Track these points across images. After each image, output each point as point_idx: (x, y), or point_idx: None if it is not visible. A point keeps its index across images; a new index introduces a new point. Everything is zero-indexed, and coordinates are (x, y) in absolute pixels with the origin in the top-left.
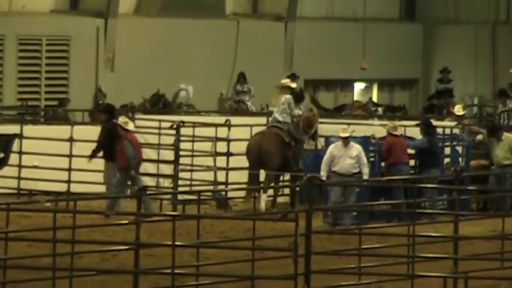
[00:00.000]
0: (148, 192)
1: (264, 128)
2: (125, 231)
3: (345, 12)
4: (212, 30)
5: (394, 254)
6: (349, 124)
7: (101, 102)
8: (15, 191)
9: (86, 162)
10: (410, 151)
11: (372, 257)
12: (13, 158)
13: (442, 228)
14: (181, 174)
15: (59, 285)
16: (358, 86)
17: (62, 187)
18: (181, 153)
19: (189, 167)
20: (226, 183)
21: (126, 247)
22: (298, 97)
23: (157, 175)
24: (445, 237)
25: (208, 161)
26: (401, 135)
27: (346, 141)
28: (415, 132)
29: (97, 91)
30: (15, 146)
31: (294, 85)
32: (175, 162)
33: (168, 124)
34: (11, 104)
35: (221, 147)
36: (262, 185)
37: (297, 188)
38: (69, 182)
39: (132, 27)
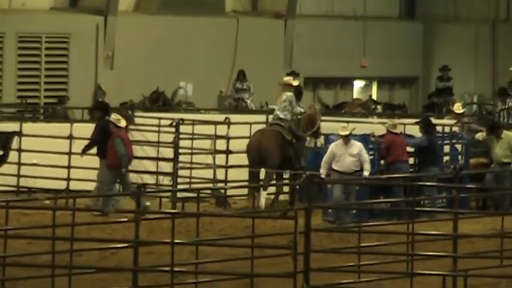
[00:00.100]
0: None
1: (264, 125)
2: (124, 229)
3: (344, 10)
4: (212, 28)
5: (393, 252)
6: (348, 122)
7: (100, 100)
8: (15, 189)
9: (85, 159)
10: (410, 149)
11: (371, 255)
12: (12, 156)
13: (442, 226)
14: (180, 172)
15: (58, 282)
16: (358, 84)
17: (62, 185)
18: (180, 151)
19: (188, 165)
20: (225, 181)
21: (126, 245)
22: (296, 94)
23: (157, 173)
24: (444, 235)
25: (208, 159)
26: (401, 133)
27: (346, 139)
28: (414, 130)
29: (96, 89)
30: (14, 144)
31: (295, 83)
32: (175, 160)
33: (168, 122)
34: (10, 102)
35: (220, 145)
36: (262, 183)
37: (297, 186)
38: (68, 179)
39: (132, 24)
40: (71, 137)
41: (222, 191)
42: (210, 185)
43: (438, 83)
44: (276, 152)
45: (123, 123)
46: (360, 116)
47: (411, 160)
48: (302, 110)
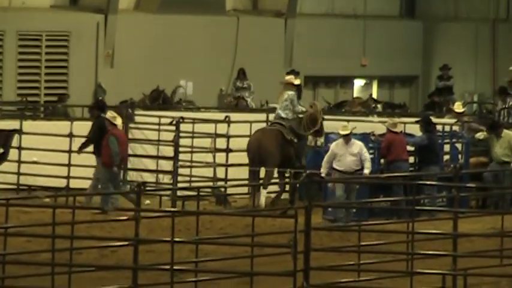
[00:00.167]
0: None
1: (265, 124)
2: (124, 227)
3: (345, 9)
4: (212, 27)
5: (393, 251)
6: (348, 121)
7: (100, 98)
8: (15, 187)
9: (85, 157)
10: (410, 148)
11: (371, 253)
12: (13, 154)
13: (442, 225)
14: (180, 171)
15: (58, 280)
16: (358, 83)
17: (62, 183)
18: (180, 149)
19: (188, 163)
20: (225, 180)
21: (125, 243)
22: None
23: (157, 171)
24: (444, 234)
25: (208, 157)
26: (401, 132)
27: (347, 138)
28: (415, 129)
29: (97, 87)
30: (14, 142)
31: (297, 82)
32: (175, 158)
33: (168, 120)
34: (10, 100)
35: (221, 143)
36: (262, 181)
37: (297, 185)
38: (68, 177)
39: (132, 23)
40: (71, 135)
41: (222, 189)
42: (210, 184)
43: (438, 82)
44: (276, 151)
45: (118, 120)
46: (360, 114)
47: (411, 159)
48: (304, 109)
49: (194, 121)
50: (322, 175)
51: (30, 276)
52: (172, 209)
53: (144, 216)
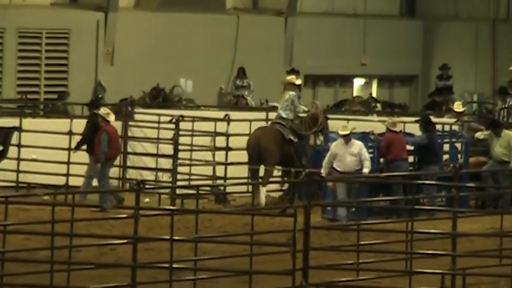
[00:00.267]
0: (146, 186)
1: (264, 123)
2: (123, 225)
3: (345, 8)
4: (212, 25)
5: (392, 250)
6: (348, 120)
7: (100, 96)
8: (14, 184)
9: (84, 155)
10: (410, 147)
11: (370, 253)
12: (12, 151)
13: (441, 224)
14: (180, 169)
15: (57, 278)
16: (358, 82)
17: (61, 180)
18: (180, 147)
19: (188, 162)
20: (225, 178)
21: (125, 241)
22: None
23: (156, 169)
24: (443, 233)
25: (207, 156)
26: (401, 131)
27: (346, 138)
28: (414, 128)
29: (96, 85)
30: (14, 139)
31: (298, 82)
32: (174, 156)
33: (168, 118)
34: (10, 97)
35: (220, 141)
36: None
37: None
38: (67, 175)
39: (132, 21)
40: (70, 133)
41: (222, 188)
42: (210, 182)
43: (438, 82)
44: (275, 149)
45: (112, 117)
46: (360, 114)
47: (411, 158)
48: (305, 109)
49: (194, 119)
50: (323, 175)
51: (29, 273)
52: (172, 207)
53: (143, 215)
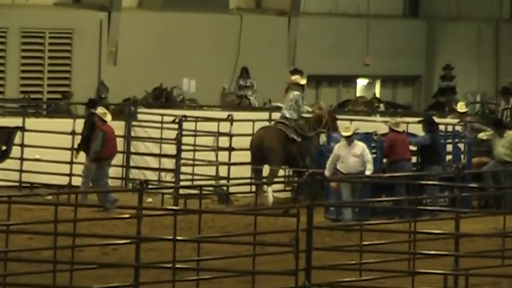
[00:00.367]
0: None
1: (267, 123)
2: (126, 225)
3: (348, 8)
4: (215, 25)
5: (395, 251)
6: (351, 120)
7: (103, 96)
8: (17, 184)
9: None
10: (412, 148)
11: (373, 253)
12: (15, 151)
13: (444, 225)
14: (183, 169)
15: (60, 278)
16: (361, 82)
17: (64, 180)
18: (183, 147)
19: (191, 162)
20: (228, 178)
21: (127, 241)
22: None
23: (159, 169)
24: (446, 234)
25: (210, 156)
26: (404, 131)
27: (349, 140)
28: (417, 129)
29: (99, 85)
30: (17, 139)
31: (303, 82)
32: (177, 156)
33: (171, 118)
34: (13, 97)
35: (223, 142)
36: (265, 179)
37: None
38: (70, 175)
39: (135, 21)
40: (73, 133)
41: (225, 188)
42: (213, 182)
43: (441, 82)
44: (278, 149)
45: (108, 117)
46: (363, 114)
47: (414, 159)
48: (309, 109)
49: (197, 119)
50: (327, 177)
51: (32, 273)
52: (175, 207)
53: (146, 215)
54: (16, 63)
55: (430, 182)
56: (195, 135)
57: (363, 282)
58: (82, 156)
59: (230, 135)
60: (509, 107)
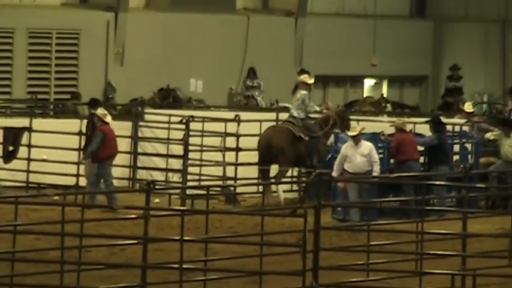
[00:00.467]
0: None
1: (274, 123)
2: (133, 225)
3: (355, 8)
4: (222, 25)
5: (402, 251)
6: (358, 121)
7: (110, 96)
8: (24, 184)
9: None
10: (420, 148)
11: (380, 253)
12: (22, 151)
13: (451, 225)
14: (190, 169)
15: (67, 278)
16: (368, 83)
17: (71, 181)
18: (190, 148)
19: (198, 162)
20: (235, 179)
21: (135, 241)
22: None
23: (166, 170)
24: (453, 234)
25: (218, 156)
26: (411, 130)
27: (356, 139)
28: (424, 129)
29: (106, 85)
30: (24, 139)
31: (310, 81)
32: (185, 157)
33: (178, 119)
34: (20, 97)
35: (230, 142)
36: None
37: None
38: (77, 175)
39: (142, 21)
40: (80, 133)
41: (232, 188)
42: (220, 183)
43: (448, 83)
44: (286, 148)
45: (108, 118)
46: (370, 114)
47: (421, 159)
48: (317, 109)
49: (204, 120)
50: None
51: (39, 274)
52: (182, 208)
53: (153, 215)
54: (23, 64)
55: (437, 182)
56: (202, 136)
57: (370, 282)
58: None
59: (237, 135)
60: None
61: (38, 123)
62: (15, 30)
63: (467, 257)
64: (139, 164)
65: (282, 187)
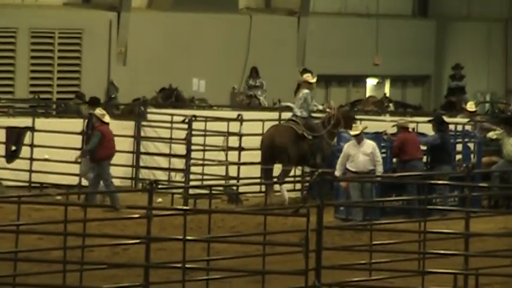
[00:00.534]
0: (159, 186)
1: (277, 122)
2: (136, 225)
3: (358, 7)
4: (225, 25)
5: (405, 250)
6: (361, 120)
7: (113, 96)
8: (27, 184)
9: None
10: (423, 147)
11: (382, 253)
12: (25, 151)
13: (453, 224)
14: (192, 169)
15: (70, 278)
16: (371, 82)
17: (73, 180)
18: (193, 147)
19: (200, 162)
20: (237, 178)
21: (137, 241)
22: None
23: (169, 169)
24: (456, 233)
25: (220, 156)
26: (413, 129)
27: (358, 138)
28: (427, 128)
29: (109, 85)
30: (26, 139)
31: (313, 80)
32: (187, 156)
33: (180, 118)
34: (23, 97)
35: (233, 141)
36: (276, 179)
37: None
38: (80, 175)
39: (145, 21)
40: (83, 133)
41: (234, 188)
42: (222, 182)
43: (451, 82)
44: (289, 147)
45: (107, 118)
46: (373, 114)
47: (424, 158)
48: (320, 107)
49: (206, 119)
50: (337, 176)
51: (42, 273)
52: (184, 207)
53: (156, 215)
54: (25, 64)
55: (440, 182)
56: (204, 135)
57: (373, 282)
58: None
59: (240, 135)
60: None
61: (41, 122)
62: (17, 30)
63: (470, 257)
64: (142, 164)
65: (285, 186)
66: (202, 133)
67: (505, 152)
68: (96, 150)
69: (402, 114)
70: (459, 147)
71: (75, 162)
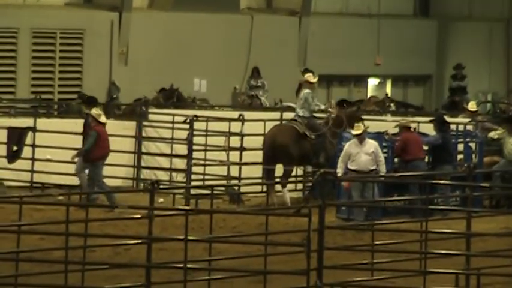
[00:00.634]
0: (161, 187)
1: (279, 123)
2: (137, 225)
3: (359, 8)
4: (226, 25)
5: (406, 250)
6: (362, 120)
7: (114, 96)
8: (28, 184)
9: None
10: (424, 147)
11: (384, 253)
12: (26, 151)
13: (455, 224)
14: (194, 169)
15: (71, 278)
16: (372, 82)
17: (75, 180)
18: (194, 147)
19: (202, 162)
20: (239, 178)
21: (139, 241)
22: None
23: (171, 169)
24: (457, 233)
25: (222, 156)
26: (415, 129)
27: (360, 138)
28: (428, 128)
29: (111, 85)
30: (28, 139)
31: (314, 80)
32: (189, 156)
33: (182, 118)
34: (24, 97)
35: (234, 141)
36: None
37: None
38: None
39: (146, 21)
40: (84, 133)
41: (236, 188)
42: (224, 182)
43: (452, 82)
44: (291, 146)
45: (103, 118)
46: (374, 114)
47: (425, 158)
48: (322, 107)
49: (208, 119)
50: (338, 175)
51: (44, 273)
52: (186, 208)
53: (157, 215)
54: (27, 64)
55: (442, 182)
56: (206, 135)
57: (375, 281)
58: None
59: (241, 135)
60: None
61: (42, 123)
62: (19, 30)
63: (472, 256)
64: (143, 164)
65: (287, 188)
66: (204, 133)
67: (507, 152)
68: (91, 150)
69: (404, 114)
70: (461, 147)
71: (71, 162)
